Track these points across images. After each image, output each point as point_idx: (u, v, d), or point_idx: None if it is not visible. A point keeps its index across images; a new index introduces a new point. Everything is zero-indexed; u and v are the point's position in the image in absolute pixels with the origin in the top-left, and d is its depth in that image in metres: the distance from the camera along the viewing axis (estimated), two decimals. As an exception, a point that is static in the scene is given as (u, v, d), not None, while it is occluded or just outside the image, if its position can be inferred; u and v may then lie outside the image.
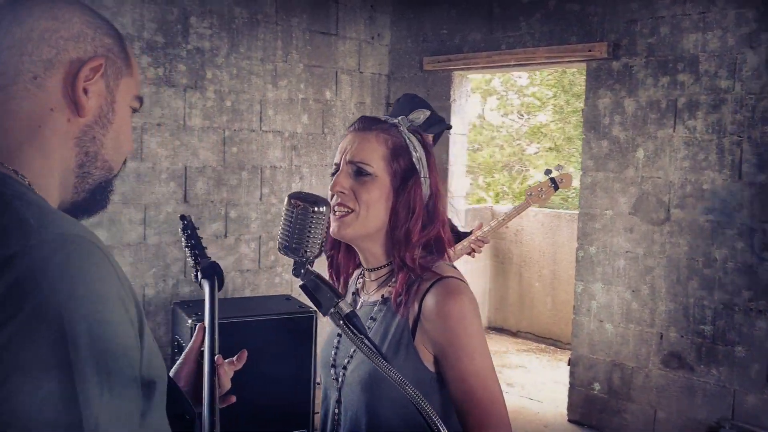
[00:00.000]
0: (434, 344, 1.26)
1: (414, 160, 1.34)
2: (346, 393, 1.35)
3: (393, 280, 1.35)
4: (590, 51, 4.00)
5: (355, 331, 1.04)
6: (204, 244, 1.43)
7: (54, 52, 0.84)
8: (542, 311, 6.12)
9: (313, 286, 1.06)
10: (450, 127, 3.10)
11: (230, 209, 4.13)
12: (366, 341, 1.04)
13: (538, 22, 4.28)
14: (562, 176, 2.88)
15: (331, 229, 1.32)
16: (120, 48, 0.91)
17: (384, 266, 1.37)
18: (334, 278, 1.46)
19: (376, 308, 1.37)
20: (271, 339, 3.24)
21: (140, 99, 0.96)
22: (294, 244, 1.05)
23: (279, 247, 1.11)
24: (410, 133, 1.37)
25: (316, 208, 1.05)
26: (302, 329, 3.39)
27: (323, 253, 1.12)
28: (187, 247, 1.42)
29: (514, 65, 4.46)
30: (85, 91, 0.85)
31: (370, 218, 1.30)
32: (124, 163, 0.97)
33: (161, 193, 3.77)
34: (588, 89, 4.11)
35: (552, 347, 5.96)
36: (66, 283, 0.71)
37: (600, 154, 4.04)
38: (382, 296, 1.37)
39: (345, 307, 1.04)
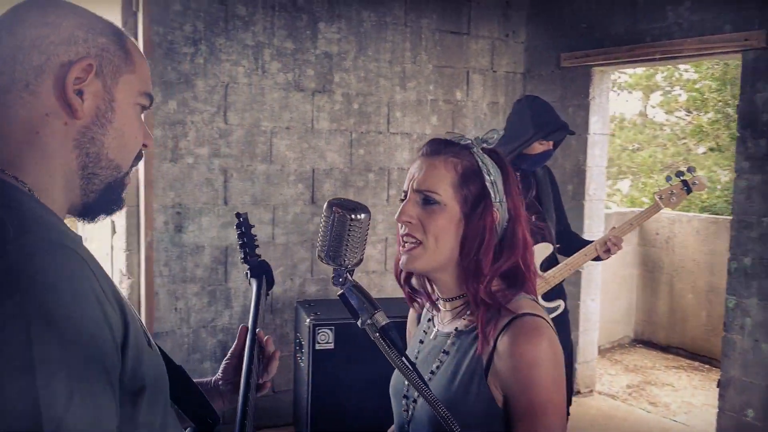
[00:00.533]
0: (504, 387, 1.17)
1: (487, 183, 1.24)
2: (414, 428, 1.29)
3: (468, 312, 1.27)
4: (746, 40, 3.58)
5: (390, 345, 1.00)
6: (256, 243, 1.44)
7: (44, 57, 0.84)
8: (696, 326, 5.61)
9: (350, 295, 1.04)
10: (572, 133, 2.91)
11: (357, 210, 4.17)
12: (402, 358, 0.99)
13: (687, 10, 3.91)
14: (695, 178, 2.60)
15: (400, 261, 1.27)
16: (118, 46, 0.90)
17: (458, 297, 1.29)
18: (410, 303, 1.40)
19: (449, 341, 1.30)
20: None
21: (149, 95, 0.95)
22: (332, 252, 1.02)
23: (318, 255, 1.08)
24: (484, 155, 1.27)
25: (354, 216, 1.01)
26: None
27: (361, 261, 1.07)
28: (239, 244, 1.43)
29: (659, 59, 4.11)
30: (81, 92, 0.86)
31: (439, 250, 1.23)
32: (139, 160, 0.97)
33: (289, 195, 3.89)
34: (743, 82, 3.68)
35: (706, 365, 5.44)
36: (39, 287, 0.72)
37: (757, 154, 3.60)
38: (456, 328, 1.30)
39: (381, 319, 1.02)
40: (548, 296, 2.89)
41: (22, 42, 0.84)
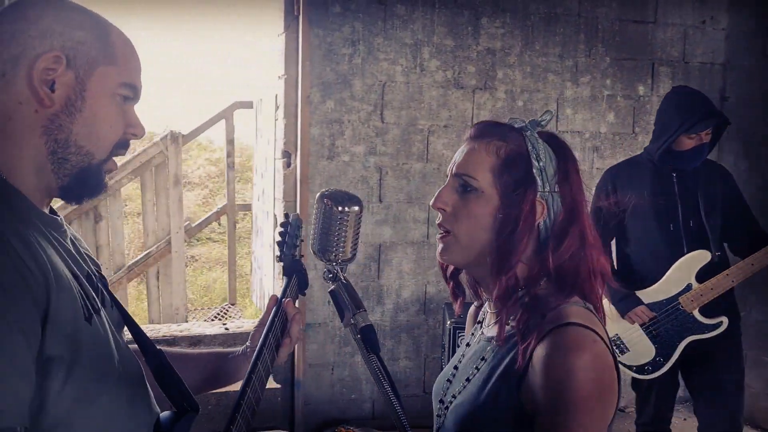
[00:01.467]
0: (533, 405, 1.04)
1: (534, 170, 1.11)
2: None
3: (512, 317, 1.13)
4: None
5: (367, 347, 0.94)
6: (297, 244, 1.42)
7: (20, 49, 0.90)
8: None
9: (338, 293, 0.99)
10: (726, 123, 2.51)
11: (519, 212, 4.00)
12: (376, 361, 0.93)
13: None
14: None
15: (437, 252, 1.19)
16: (97, 39, 0.94)
17: None
18: (453, 299, 1.28)
19: (489, 347, 1.17)
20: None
21: (131, 86, 0.98)
22: (319, 245, 0.99)
23: (311, 248, 1.05)
24: (539, 139, 1.13)
25: (339, 207, 0.97)
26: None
27: (354, 258, 1.01)
28: (277, 242, 1.42)
29: None
30: (53, 82, 0.90)
31: (473, 241, 1.12)
32: (122, 147, 1.00)
33: (446, 194, 3.83)
34: None
35: None
36: None
37: None
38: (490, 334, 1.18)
39: (362, 319, 0.98)
40: (709, 311, 2.52)
41: (3, 35, 0.91)
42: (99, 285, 1.01)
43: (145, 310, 4.92)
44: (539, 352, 1.03)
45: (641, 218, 2.63)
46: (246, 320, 4.14)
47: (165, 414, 1.04)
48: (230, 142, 4.92)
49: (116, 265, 4.62)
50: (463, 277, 1.26)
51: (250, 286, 5.61)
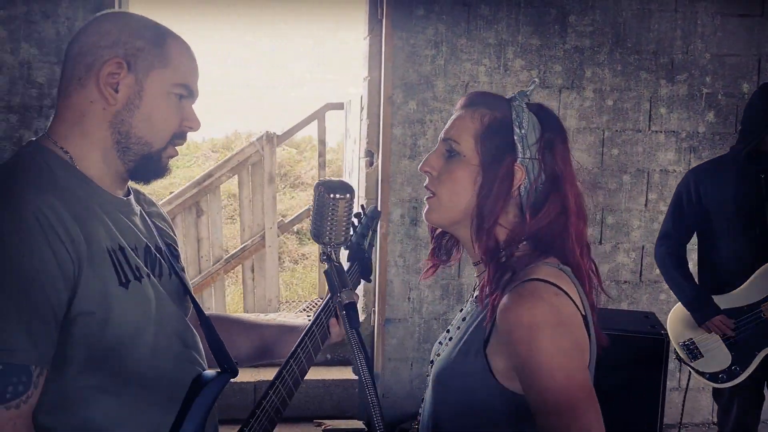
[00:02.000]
0: (508, 356, 1.08)
1: (515, 137, 1.15)
2: (426, 392, 1.27)
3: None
4: None
5: (349, 322, 1.01)
6: (368, 235, 1.51)
7: (93, 58, 1.08)
8: None
9: (330, 273, 1.07)
10: None
11: (607, 214, 3.89)
12: (354, 334, 1.00)
13: None
14: None
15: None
16: (153, 46, 1.10)
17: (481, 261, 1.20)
18: (431, 257, 1.34)
19: (469, 306, 1.25)
20: (608, 355, 2.97)
21: (185, 86, 1.13)
22: (314, 229, 1.07)
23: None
24: (524, 109, 1.17)
25: (332, 194, 1.04)
26: (648, 351, 3.01)
27: (347, 241, 1.08)
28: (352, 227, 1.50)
29: None
30: (116, 84, 1.07)
31: (453, 203, 1.17)
32: (180, 138, 1.16)
33: (529, 194, 3.80)
34: None
35: None
36: None
37: None
38: (474, 296, 1.24)
39: (346, 296, 1.03)
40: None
41: (82, 47, 1.10)
42: (158, 256, 1.17)
43: (241, 300, 5.19)
44: (501, 306, 1.08)
45: (725, 220, 2.52)
46: (328, 314, 4.28)
47: (208, 372, 1.17)
48: (322, 142, 5.10)
49: (215, 257, 4.90)
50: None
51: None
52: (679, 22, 3.83)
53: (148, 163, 1.13)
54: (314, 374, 3.53)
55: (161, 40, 1.12)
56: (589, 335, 1.12)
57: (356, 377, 3.57)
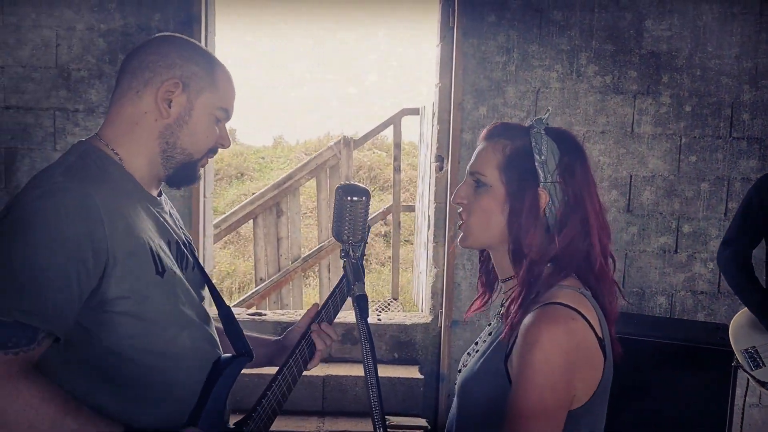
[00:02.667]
0: (513, 367, 1.16)
1: (536, 164, 1.22)
2: (454, 400, 1.35)
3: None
4: None
5: (360, 313, 1.10)
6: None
7: (151, 74, 1.23)
8: None
9: (346, 268, 1.17)
10: None
11: (683, 223, 3.80)
12: (363, 324, 1.08)
13: None
14: None
15: None
16: (207, 73, 1.25)
17: (511, 278, 1.28)
18: (482, 287, 1.40)
19: (494, 321, 1.32)
20: (669, 365, 2.93)
21: (225, 110, 1.28)
22: (335, 229, 1.17)
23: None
24: (543, 136, 1.24)
25: (349, 197, 1.14)
26: (713, 364, 2.94)
27: (364, 240, 1.18)
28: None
29: None
30: (170, 101, 1.22)
31: (483, 230, 1.26)
32: (213, 152, 1.31)
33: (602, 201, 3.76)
34: None
35: None
36: (27, 210, 1.08)
37: None
38: (500, 312, 1.31)
39: (358, 289, 1.15)
40: None
41: (141, 63, 1.25)
42: (185, 251, 1.31)
43: (318, 299, 5.37)
44: (523, 324, 1.15)
45: None
46: (396, 314, 4.38)
47: (226, 355, 1.31)
48: (397, 146, 5.20)
49: (293, 255, 5.10)
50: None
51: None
52: (765, 26, 3.69)
53: (186, 170, 1.29)
54: (381, 372, 3.63)
55: (211, 67, 1.27)
56: (605, 356, 1.18)
57: (422, 376, 3.65)
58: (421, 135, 4.84)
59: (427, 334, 3.86)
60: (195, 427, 1.18)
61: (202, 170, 1.34)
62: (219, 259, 7.01)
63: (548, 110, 1.32)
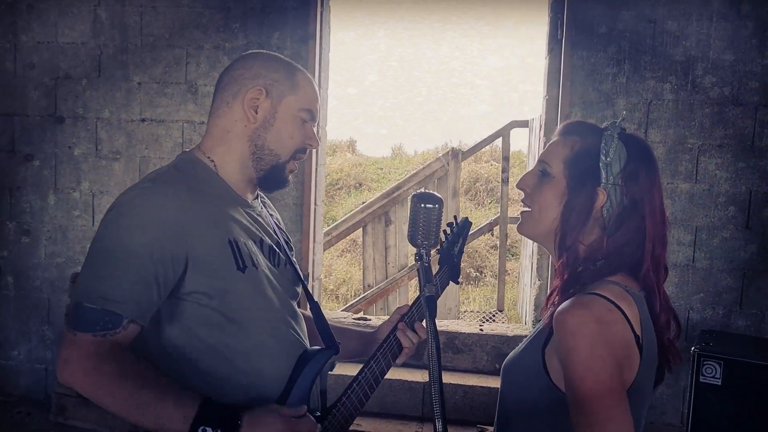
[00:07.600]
0: (558, 357, 1.21)
1: (600, 164, 1.27)
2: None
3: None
4: None
5: (428, 311, 1.17)
6: (458, 240, 1.65)
7: (239, 86, 1.37)
8: None
9: (419, 270, 1.24)
10: None
11: (810, 242, 3.57)
12: (429, 323, 1.15)
13: None
14: None
15: None
16: (286, 79, 1.37)
17: None
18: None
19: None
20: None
21: (309, 111, 1.39)
22: (410, 234, 1.25)
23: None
24: (615, 139, 1.28)
25: (423, 204, 1.22)
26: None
27: (436, 244, 1.25)
28: (444, 233, 1.66)
29: None
30: (256, 107, 1.34)
31: (541, 219, 1.32)
32: (302, 153, 1.41)
33: (717, 217, 3.61)
34: None
35: None
36: (116, 211, 1.24)
37: None
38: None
39: (427, 290, 1.21)
40: None
41: (230, 79, 1.39)
42: (276, 249, 1.42)
43: (423, 308, 5.43)
44: (557, 310, 1.19)
45: None
46: (498, 325, 4.38)
47: (311, 348, 1.39)
48: (506, 158, 5.20)
49: (400, 264, 5.22)
50: None
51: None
52: None
53: (275, 172, 1.39)
54: (481, 382, 3.67)
55: (292, 73, 1.39)
56: (642, 356, 1.19)
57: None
58: (529, 147, 4.82)
59: (529, 347, 3.84)
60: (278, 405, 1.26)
61: (291, 176, 1.43)
62: (336, 267, 7.26)
63: (623, 114, 1.37)
